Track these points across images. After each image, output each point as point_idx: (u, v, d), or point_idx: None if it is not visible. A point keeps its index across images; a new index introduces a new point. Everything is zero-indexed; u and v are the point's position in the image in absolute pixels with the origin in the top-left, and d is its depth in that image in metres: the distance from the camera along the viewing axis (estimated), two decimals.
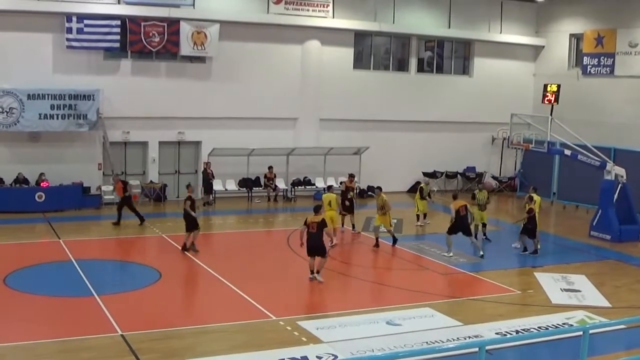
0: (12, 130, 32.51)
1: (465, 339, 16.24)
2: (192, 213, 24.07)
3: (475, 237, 26.22)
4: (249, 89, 36.36)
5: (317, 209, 21.46)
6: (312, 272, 20.98)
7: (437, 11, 40.41)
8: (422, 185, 31.75)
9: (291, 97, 37.36)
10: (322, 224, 20.95)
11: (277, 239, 27.08)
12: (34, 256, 23.29)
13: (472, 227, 25.94)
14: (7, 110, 32.12)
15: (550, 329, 17.45)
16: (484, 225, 27.76)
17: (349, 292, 20.97)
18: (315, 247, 20.90)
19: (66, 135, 33.57)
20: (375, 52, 40.53)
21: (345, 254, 25.44)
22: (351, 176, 30.80)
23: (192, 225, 24.17)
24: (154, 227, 28.91)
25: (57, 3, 32.70)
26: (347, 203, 28.62)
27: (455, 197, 25.31)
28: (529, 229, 25.39)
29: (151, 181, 35.67)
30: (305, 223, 21.07)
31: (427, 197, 30.80)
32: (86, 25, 32.96)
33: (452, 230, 24.73)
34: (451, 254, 24.63)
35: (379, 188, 27.72)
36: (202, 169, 35.32)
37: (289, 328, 16.58)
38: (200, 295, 19.80)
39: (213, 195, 35.37)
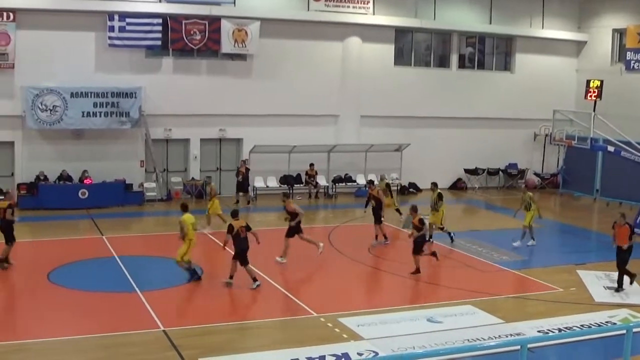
0: (56, 128, 32.94)
1: (506, 336, 16.13)
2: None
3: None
4: (289, 86, 36.43)
5: (234, 214, 20.72)
6: (231, 277, 20.24)
7: (478, 7, 40.11)
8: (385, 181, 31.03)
9: (332, 94, 37.37)
10: (248, 228, 20.48)
11: (317, 236, 27.05)
12: (77, 252, 23.56)
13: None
14: (51, 108, 32.55)
15: (592, 327, 17.27)
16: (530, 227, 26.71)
17: (389, 289, 20.90)
18: (245, 250, 20.31)
19: (109, 132, 33.93)
20: (416, 48, 40.36)
21: (386, 250, 25.35)
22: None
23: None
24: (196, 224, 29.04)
25: (100, 2, 33.05)
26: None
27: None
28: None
29: (193, 178, 35.89)
30: (231, 231, 20.23)
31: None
32: (128, 24, 33.27)
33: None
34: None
35: (434, 184, 27.37)
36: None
37: (329, 325, 16.59)
38: (241, 291, 19.87)
39: (250, 194, 35.42)
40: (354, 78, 37.87)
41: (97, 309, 18.07)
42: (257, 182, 36.26)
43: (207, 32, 34.65)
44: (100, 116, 33.38)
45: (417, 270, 21.52)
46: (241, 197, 34.46)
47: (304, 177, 37.07)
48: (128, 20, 33.28)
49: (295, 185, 36.88)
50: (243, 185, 34.57)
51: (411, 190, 38.92)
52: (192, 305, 18.35)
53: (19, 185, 32.80)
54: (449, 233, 26.28)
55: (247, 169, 34.76)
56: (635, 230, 27.37)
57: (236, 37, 35.04)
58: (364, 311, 18.04)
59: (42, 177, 32.85)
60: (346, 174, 38.20)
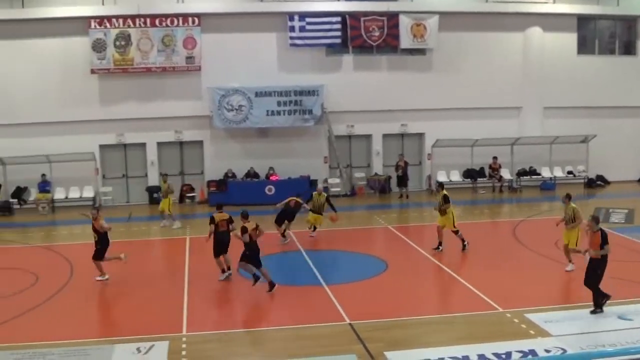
0: (242, 126, 34.17)
1: None
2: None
3: None
4: (470, 79, 36.11)
5: (219, 206, 20.92)
6: (223, 271, 20.35)
7: None
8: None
9: (513, 85, 36.73)
10: (230, 221, 20.43)
11: (502, 230, 26.67)
12: (265, 247, 24.22)
13: None
14: (237, 108, 33.79)
15: None
16: None
17: (578, 285, 20.26)
18: (226, 244, 20.39)
19: (293, 130, 34.82)
20: (600, 36, 38.95)
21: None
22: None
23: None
24: (379, 219, 29.36)
25: (280, 3, 34.06)
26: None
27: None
28: None
29: (376, 173, 36.27)
30: (213, 222, 20.37)
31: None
32: (308, 23, 34.03)
33: None
34: None
35: (440, 185, 24.61)
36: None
37: (516, 320, 16.31)
38: (426, 286, 19.87)
39: (406, 189, 35.42)
40: (536, 69, 37.07)
41: (285, 301, 18.60)
42: (440, 176, 36.19)
43: (386, 28, 34.90)
44: (284, 114, 34.34)
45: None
46: (403, 192, 34.93)
47: (487, 171, 36.62)
48: (308, 19, 34.04)
49: (478, 179, 36.52)
50: (403, 179, 34.68)
51: (599, 183, 37.63)
52: (377, 299, 18.49)
53: (208, 182, 34.24)
54: (463, 240, 23.37)
55: (406, 163, 34.84)
56: None
57: (415, 32, 35.10)
58: (552, 307, 17.58)
59: (230, 175, 34.13)
60: (531, 167, 37.43)
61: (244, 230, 19.16)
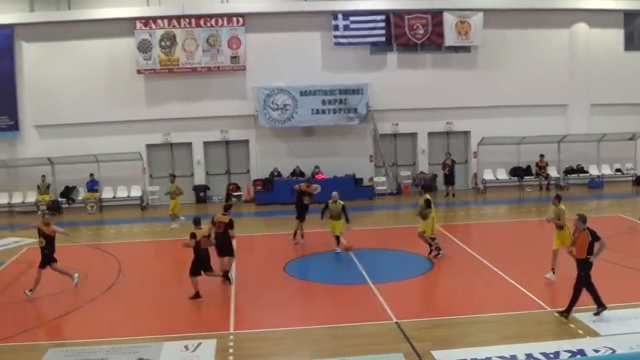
0: (287, 125, 34.33)
1: None
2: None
3: None
4: (515, 77, 35.85)
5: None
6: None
7: None
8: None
9: (559, 82, 36.37)
10: (230, 225, 19.90)
11: (550, 229, 26.44)
12: (310, 245, 24.40)
13: None
14: (282, 107, 33.96)
15: None
16: None
17: (628, 284, 20.00)
18: (223, 246, 19.97)
19: (337, 129, 34.88)
20: None
21: (623, 244, 24.29)
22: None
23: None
24: None
25: (324, 2, 34.22)
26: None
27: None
28: None
29: (421, 172, 36.16)
30: (213, 222, 19.96)
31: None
32: (352, 22, 34.10)
33: None
34: None
35: (423, 188, 24.99)
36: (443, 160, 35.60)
37: (564, 320, 16.16)
38: (473, 284, 19.76)
39: (452, 188, 35.30)
40: (582, 65, 36.69)
41: (330, 300, 18.70)
42: (487, 174, 36.03)
43: (430, 26, 34.83)
44: (328, 113, 34.43)
45: None
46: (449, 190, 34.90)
47: (534, 169, 36.32)
48: (352, 18, 34.11)
49: (525, 177, 36.24)
50: (449, 177, 34.55)
51: None
52: (424, 298, 18.48)
53: (254, 181, 34.43)
54: (438, 248, 22.55)
55: (453, 161, 34.71)
56: None
57: (459, 30, 34.97)
58: None
59: (275, 173, 34.27)
60: (578, 165, 37.09)
61: (192, 236, 18.95)
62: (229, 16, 34.16)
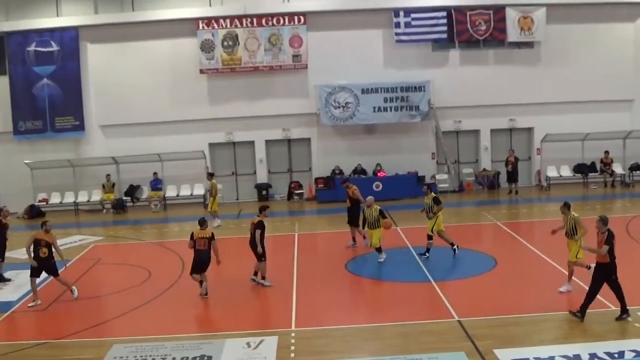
0: (349, 123, 34.38)
1: None
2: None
3: None
4: (579, 72, 35.34)
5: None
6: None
7: None
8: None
9: (624, 77, 35.76)
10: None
11: (615, 227, 25.89)
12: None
13: None
14: (344, 105, 34.02)
15: None
16: None
17: None
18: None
19: (399, 126, 34.83)
20: None
21: None
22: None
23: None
24: (488, 215, 29.07)
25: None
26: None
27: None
28: None
29: (484, 169, 35.89)
30: (192, 238, 19.16)
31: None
32: (413, 19, 34.00)
33: None
34: None
35: (428, 187, 23.64)
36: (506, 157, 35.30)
37: (629, 319, 15.90)
38: (537, 282, 19.52)
39: (515, 185, 34.80)
40: None
41: (393, 298, 18.70)
42: (550, 171, 35.59)
43: (492, 22, 34.54)
44: (390, 111, 34.37)
45: None
46: (512, 187, 34.62)
47: (598, 166, 35.75)
48: (413, 15, 34.02)
49: (589, 174, 35.69)
50: (513, 175, 34.20)
51: None
52: (487, 296, 18.32)
53: (316, 179, 34.54)
54: (427, 249, 22.40)
55: (517, 159, 34.35)
56: None
57: (522, 25, 34.63)
58: None
59: (337, 171, 34.34)
60: None
61: (191, 236, 19.05)
62: (291, 15, 34.34)
